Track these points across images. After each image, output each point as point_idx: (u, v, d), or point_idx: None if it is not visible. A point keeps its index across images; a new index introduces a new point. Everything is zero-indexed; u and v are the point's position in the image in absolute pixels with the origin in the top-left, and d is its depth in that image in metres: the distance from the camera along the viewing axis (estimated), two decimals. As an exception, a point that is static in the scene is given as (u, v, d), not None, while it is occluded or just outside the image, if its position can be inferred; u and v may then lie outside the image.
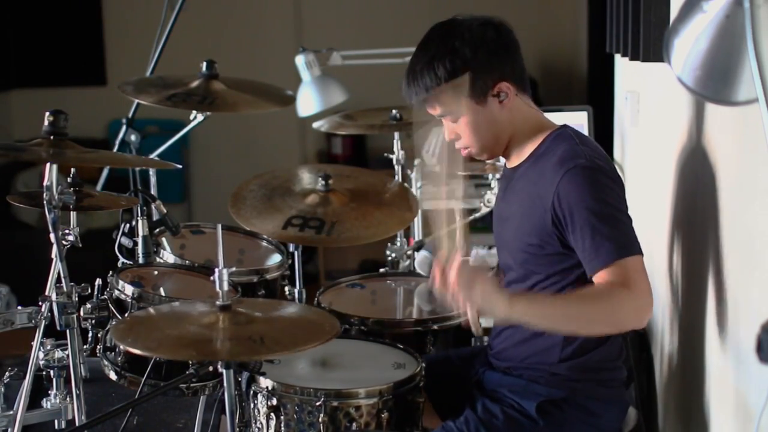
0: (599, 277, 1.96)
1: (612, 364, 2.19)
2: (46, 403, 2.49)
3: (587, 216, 1.97)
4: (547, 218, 2.04)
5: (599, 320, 1.96)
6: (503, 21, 2.16)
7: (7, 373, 2.56)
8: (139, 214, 2.66)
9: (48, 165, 2.20)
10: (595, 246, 1.96)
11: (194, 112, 3.13)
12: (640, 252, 1.97)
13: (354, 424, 2.10)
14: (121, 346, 2.26)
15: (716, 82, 1.36)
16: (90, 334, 2.36)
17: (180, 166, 2.65)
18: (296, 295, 2.85)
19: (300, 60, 4.06)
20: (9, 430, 2.38)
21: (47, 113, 2.28)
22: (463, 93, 2.09)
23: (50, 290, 2.31)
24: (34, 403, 2.48)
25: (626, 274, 1.92)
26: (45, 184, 2.21)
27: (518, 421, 2.14)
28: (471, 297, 1.91)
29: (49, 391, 2.51)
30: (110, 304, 2.32)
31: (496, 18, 2.15)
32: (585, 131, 3.78)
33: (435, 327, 2.53)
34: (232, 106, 3.07)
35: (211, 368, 2.08)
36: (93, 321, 2.32)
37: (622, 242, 1.96)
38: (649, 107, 3.19)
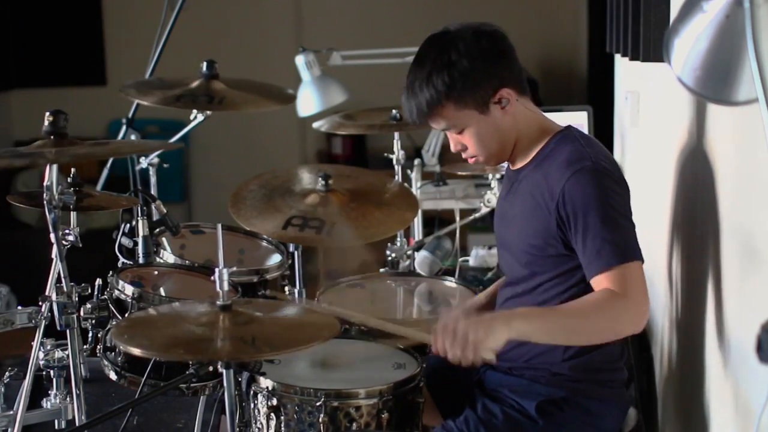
0: (597, 281, 1.96)
1: (613, 365, 2.19)
2: (46, 403, 2.49)
3: (590, 219, 1.97)
4: (552, 220, 2.04)
5: (597, 331, 1.99)
6: (496, 27, 2.15)
7: (7, 373, 2.57)
8: (139, 214, 2.66)
9: (48, 165, 2.20)
10: (596, 249, 1.96)
11: (194, 111, 3.14)
12: (640, 258, 1.97)
13: (354, 424, 2.10)
14: (121, 346, 2.26)
15: (716, 82, 1.36)
16: (90, 334, 2.36)
17: (181, 146, 2.63)
18: (296, 296, 2.85)
19: (300, 60, 4.06)
20: (9, 430, 2.38)
21: (47, 113, 2.28)
22: (466, 105, 2.09)
23: (50, 290, 2.31)
24: (34, 403, 2.48)
25: (624, 280, 1.93)
26: (45, 184, 2.21)
27: (518, 420, 2.14)
28: (475, 346, 1.91)
29: (49, 391, 2.51)
30: (110, 304, 2.32)
31: (488, 25, 2.14)
32: (585, 131, 3.77)
33: (435, 327, 2.52)
34: (237, 105, 3.07)
35: (211, 368, 2.08)
36: (93, 321, 2.32)
37: (623, 247, 1.96)
38: (649, 107, 3.19)
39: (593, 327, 1.97)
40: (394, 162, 3.37)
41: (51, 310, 2.33)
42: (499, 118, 2.11)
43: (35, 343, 2.42)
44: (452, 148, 2.20)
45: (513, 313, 2.01)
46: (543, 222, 2.06)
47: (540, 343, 2.07)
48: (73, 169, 2.47)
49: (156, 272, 2.60)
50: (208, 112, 3.11)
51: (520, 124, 2.15)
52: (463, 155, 2.19)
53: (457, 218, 3.64)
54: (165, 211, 2.71)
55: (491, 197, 3.19)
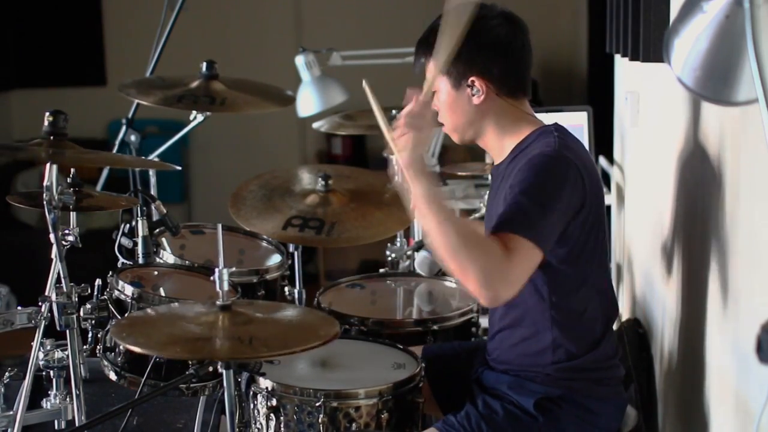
0: (494, 237, 1.93)
1: (607, 363, 2.18)
2: (46, 404, 2.49)
3: (518, 187, 1.97)
4: None
5: (461, 260, 1.91)
6: (523, 25, 2.17)
7: (7, 373, 2.56)
8: (139, 215, 2.66)
9: (48, 165, 2.20)
10: (505, 210, 1.95)
11: (194, 112, 3.14)
12: (540, 246, 1.93)
13: (354, 424, 2.10)
14: (121, 346, 2.26)
15: (716, 82, 1.36)
16: (90, 335, 2.36)
17: (179, 168, 2.65)
18: (296, 296, 2.85)
19: (300, 60, 4.06)
20: (9, 430, 2.38)
21: (47, 113, 2.28)
22: (442, 71, 2.13)
23: (50, 290, 2.31)
24: (34, 403, 2.48)
25: (510, 249, 1.89)
26: (45, 184, 2.21)
27: (518, 417, 2.14)
28: (408, 140, 2.01)
29: (49, 392, 2.51)
30: (110, 305, 2.32)
31: (520, 20, 2.16)
32: (585, 131, 3.78)
33: (435, 327, 2.53)
34: (239, 106, 3.07)
35: (210, 368, 2.08)
36: (93, 321, 2.32)
37: (528, 223, 1.93)
38: (649, 107, 3.19)
39: (462, 255, 1.90)
40: (394, 162, 3.36)
41: (51, 310, 2.33)
42: (466, 101, 2.14)
43: (35, 344, 2.42)
44: (433, 105, 2.21)
45: (432, 188, 2.00)
46: None
47: (427, 231, 2.01)
48: (72, 170, 2.46)
49: (156, 272, 2.60)
50: (208, 113, 3.11)
51: (492, 120, 2.16)
52: (439, 118, 2.23)
53: (457, 218, 3.63)
54: (165, 211, 2.71)
55: (491, 197, 3.18)
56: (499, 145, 2.18)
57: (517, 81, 2.16)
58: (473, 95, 2.13)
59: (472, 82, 2.12)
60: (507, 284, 1.91)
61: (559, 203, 1.99)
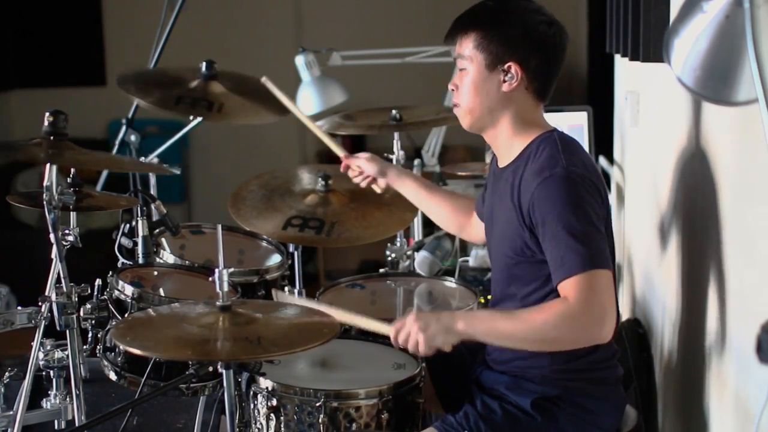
0: (561, 288, 1.96)
1: (605, 364, 2.18)
2: (46, 404, 2.49)
3: (554, 226, 1.97)
4: (525, 228, 2.05)
5: (549, 342, 1.98)
6: (567, 35, 2.18)
7: (7, 373, 2.56)
8: (139, 215, 2.66)
9: (48, 165, 2.20)
10: (559, 257, 1.96)
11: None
12: (605, 266, 1.94)
13: (354, 424, 2.10)
14: (121, 346, 2.26)
15: (716, 82, 1.36)
16: (90, 335, 2.37)
17: (178, 172, 2.64)
18: (296, 296, 2.85)
19: (300, 60, 4.06)
20: (9, 430, 2.38)
21: (47, 113, 2.28)
22: (481, 50, 2.11)
23: (50, 290, 2.31)
24: (34, 403, 2.48)
25: (585, 289, 1.91)
26: (45, 184, 2.21)
27: (516, 416, 2.14)
28: (426, 346, 2.00)
29: (49, 392, 2.51)
30: (110, 305, 2.33)
31: (566, 30, 2.17)
32: (585, 131, 3.78)
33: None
34: (236, 114, 3.06)
35: (210, 368, 2.08)
36: (93, 321, 2.33)
37: (586, 255, 1.93)
38: (649, 107, 3.19)
39: (543, 338, 1.96)
40: (394, 162, 3.37)
41: (51, 310, 2.33)
42: (495, 85, 2.12)
43: (35, 343, 2.42)
44: (450, 84, 2.21)
45: (455, 318, 2.03)
46: (519, 228, 2.07)
47: (493, 344, 2.10)
48: (72, 170, 2.46)
49: (156, 272, 2.60)
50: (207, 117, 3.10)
51: (513, 111, 2.14)
52: (453, 99, 2.21)
53: (457, 218, 3.63)
54: (165, 211, 2.71)
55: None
56: (508, 143, 2.17)
57: (546, 82, 2.16)
58: (505, 81, 2.11)
59: (509, 67, 2.10)
60: (599, 317, 1.91)
61: (593, 219, 1.99)
